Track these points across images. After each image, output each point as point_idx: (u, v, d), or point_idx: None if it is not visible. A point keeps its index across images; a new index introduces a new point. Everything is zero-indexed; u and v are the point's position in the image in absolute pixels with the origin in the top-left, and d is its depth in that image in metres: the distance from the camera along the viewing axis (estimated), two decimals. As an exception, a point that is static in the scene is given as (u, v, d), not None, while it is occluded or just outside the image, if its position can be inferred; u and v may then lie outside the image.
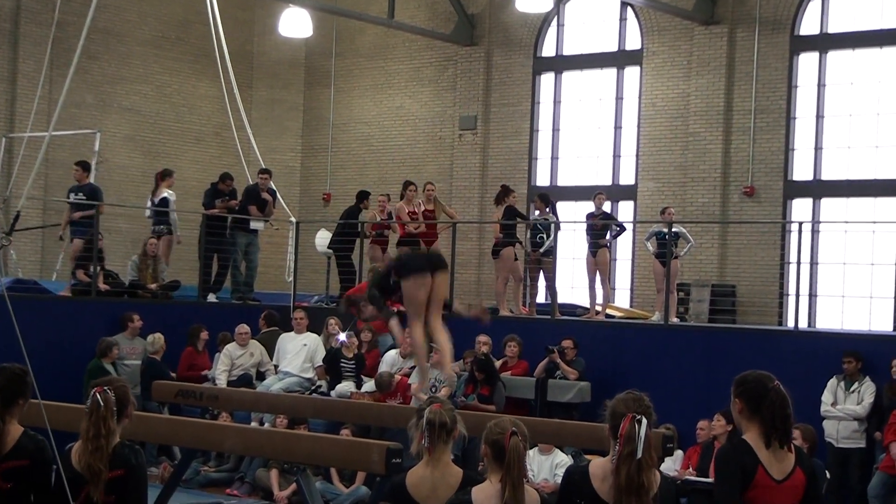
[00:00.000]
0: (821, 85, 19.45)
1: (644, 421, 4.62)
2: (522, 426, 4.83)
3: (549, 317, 15.78)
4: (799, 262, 14.68)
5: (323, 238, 18.51)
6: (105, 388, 5.52)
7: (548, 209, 16.51)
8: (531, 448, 12.25)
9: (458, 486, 4.98)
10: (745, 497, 4.74)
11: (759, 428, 4.81)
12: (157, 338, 15.11)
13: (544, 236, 16.16)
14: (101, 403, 5.47)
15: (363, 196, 18.23)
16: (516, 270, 16.47)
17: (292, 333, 15.45)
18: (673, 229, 15.74)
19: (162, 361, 15.05)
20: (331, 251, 18.12)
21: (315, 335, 15.44)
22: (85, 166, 16.37)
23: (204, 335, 15.66)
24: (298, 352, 15.19)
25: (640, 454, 4.56)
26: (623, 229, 17.62)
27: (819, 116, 19.46)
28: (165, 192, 16.89)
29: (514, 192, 16.83)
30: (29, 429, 5.72)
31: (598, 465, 4.72)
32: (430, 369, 12.56)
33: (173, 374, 14.91)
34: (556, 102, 22.23)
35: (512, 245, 16.24)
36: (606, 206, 17.74)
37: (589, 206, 16.89)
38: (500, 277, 16.40)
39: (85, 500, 5.43)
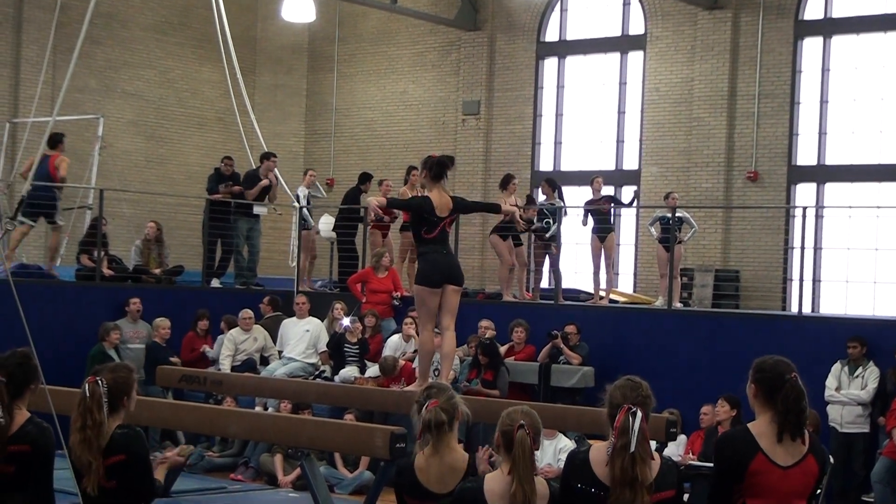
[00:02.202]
0: (825, 70, 19.42)
1: (639, 414, 4.60)
2: (535, 417, 4.81)
3: (552, 302, 15.78)
4: (803, 247, 14.68)
5: (326, 223, 18.48)
6: (98, 378, 5.46)
7: (555, 193, 16.48)
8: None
9: (464, 471, 4.98)
10: (746, 483, 4.75)
11: (770, 416, 4.81)
12: (160, 322, 15.12)
13: (550, 221, 16.14)
14: (88, 395, 5.41)
15: (365, 178, 18.19)
16: (521, 256, 16.44)
17: (294, 319, 15.46)
18: (677, 214, 15.72)
19: (166, 346, 15.07)
20: (334, 235, 18.11)
21: (317, 320, 15.44)
22: None
23: (202, 324, 15.65)
24: (301, 337, 15.20)
25: (633, 448, 4.55)
26: (632, 203, 17.50)
27: (823, 101, 19.43)
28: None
29: (515, 178, 16.72)
30: (35, 414, 5.73)
31: (599, 450, 4.73)
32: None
33: (176, 359, 14.92)
34: (560, 87, 22.20)
35: (501, 236, 16.09)
36: (607, 190, 17.64)
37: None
38: (501, 264, 16.34)
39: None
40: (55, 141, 15.95)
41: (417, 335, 13.75)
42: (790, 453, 4.79)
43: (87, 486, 5.37)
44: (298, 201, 17.46)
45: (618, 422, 4.60)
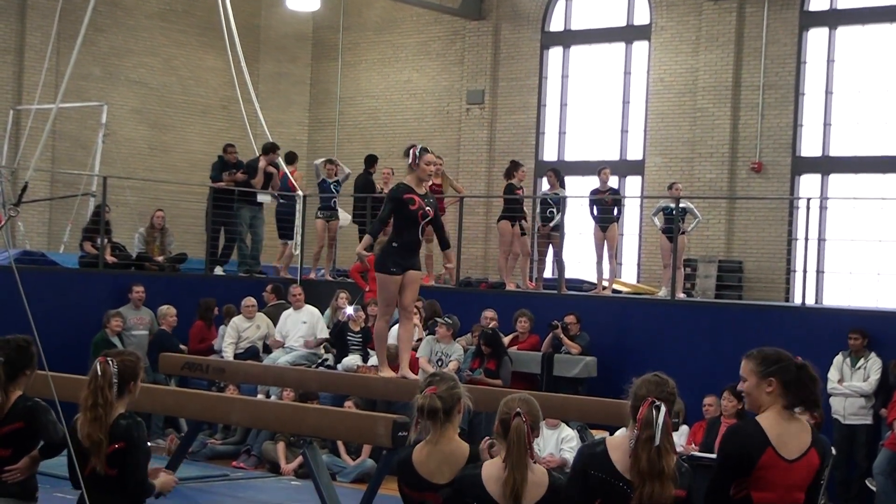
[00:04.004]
0: (830, 60, 19.38)
1: (663, 408, 4.62)
2: (533, 404, 4.82)
3: (555, 292, 15.78)
4: (806, 239, 14.66)
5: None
6: (109, 359, 5.50)
7: (559, 183, 16.47)
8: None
9: (464, 461, 4.98)
10: (753, 477, 4.76)
11: (781, 404, 4.83)
12: (166, 310, 15.12)
13: (554, 211, 16.13)
14: (100, 373, 5.45)
15: (372, 161, 18.19)
16: (524, 245, 16.45)
17: (291, 310, 15.40)
18: (680, 205, 15.71)
19: (172, 334, 15.07)
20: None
21: (314, 309, 15.35)
22: None
23: (215, 311, 15.67)
24: (299, 330, 15.14)
25: (658, 441, 4.58)
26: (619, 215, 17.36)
27: (828, 92, 19.39)
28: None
29: (522, 166, 16.76)
30: (41, 400, 5.74)
31: (617, 440, 4.75)
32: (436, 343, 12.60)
33: (183, 347, 14.93)
34: (564, 77, 22.16)
35: (509, 220, 16.14)
36: (613, 182, 17.64)
37: (596, 181, 16.80)
38: (501, 251, 16.40)
39: (92, 472, 5.43)
40: (291, 158, 18.44)
41: (419, 324, 13.77)
42: (795, 447, 4.80)
43: (96, 465, 5.39)
44: (327, 189, 17.47)
45: (641, 414, 4.62)
